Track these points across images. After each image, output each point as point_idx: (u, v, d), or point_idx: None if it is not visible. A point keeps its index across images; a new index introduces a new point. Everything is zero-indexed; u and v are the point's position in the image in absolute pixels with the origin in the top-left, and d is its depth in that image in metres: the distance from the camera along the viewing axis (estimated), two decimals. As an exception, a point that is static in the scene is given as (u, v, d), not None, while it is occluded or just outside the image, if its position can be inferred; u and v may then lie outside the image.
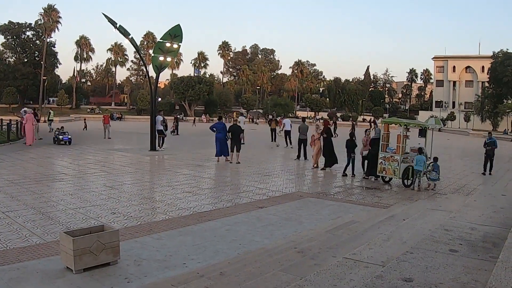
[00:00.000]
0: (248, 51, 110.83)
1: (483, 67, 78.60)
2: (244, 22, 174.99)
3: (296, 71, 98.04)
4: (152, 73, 23.80)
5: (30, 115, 21.06)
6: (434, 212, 6.69)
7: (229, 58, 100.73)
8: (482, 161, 16.08)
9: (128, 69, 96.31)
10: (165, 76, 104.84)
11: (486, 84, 71.46)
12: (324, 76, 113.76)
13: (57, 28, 71.48)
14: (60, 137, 21.81)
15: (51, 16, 69.62)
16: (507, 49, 63.59)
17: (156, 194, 10.20)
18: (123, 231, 6.44)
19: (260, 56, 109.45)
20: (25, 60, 69.78)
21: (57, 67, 75.78)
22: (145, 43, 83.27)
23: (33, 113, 22.05)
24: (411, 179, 12.14)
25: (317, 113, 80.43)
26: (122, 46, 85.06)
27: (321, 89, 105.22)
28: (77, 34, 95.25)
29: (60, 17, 71.51)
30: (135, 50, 24.00)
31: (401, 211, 7.70)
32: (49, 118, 32.58)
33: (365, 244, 4.57)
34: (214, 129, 16.39)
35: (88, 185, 10.75)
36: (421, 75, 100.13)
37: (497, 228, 4.94)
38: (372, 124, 41.03)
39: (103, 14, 18.27)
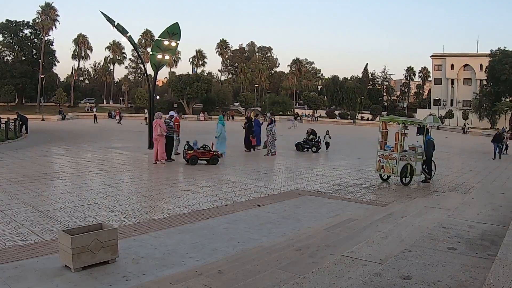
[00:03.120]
0: (245, 49, 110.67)
1: (481, 65, 78.73)
2: (241, 19, 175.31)
3: (294, 69, 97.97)
4: (150, 71, 23.80)
5: (160, 121, 14.95)
6: (432, 210, 6.70)
7: (227, 56, 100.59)
8: (481, 160, 16.12)
9: (126, 67, 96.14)
10: (163, 74, 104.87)
11: (484, 82, 71.67)
12: (322, 74, 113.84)
13: (55, 26, 71.29)
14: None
15: (49, 14, 69.34)
16: (505, 47, 63.82)
17: (155, 192, 10.18)
18: (122, 229, 6.44)
19: (257, 54, 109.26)
20: (23, 58, 69.65)
21: (55, 65, 75.78)
22: (143, 41, 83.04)
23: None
24: (409, 177, 12.20)
25: (315, 111, 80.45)
26: (120, 44, 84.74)
27: (319, 87, 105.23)
28: (75, 32, 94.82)
29: (58, 15, 71.26)
30: (133, 48, 23.92)
31: (399, 209, 7.71)
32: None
33: (363, 242, 4.57)
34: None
35: (87, 183, 10.73)
36: (419, 73, 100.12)
37: (495, 226, 4.94)
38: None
39: (101, 12, 18.27)
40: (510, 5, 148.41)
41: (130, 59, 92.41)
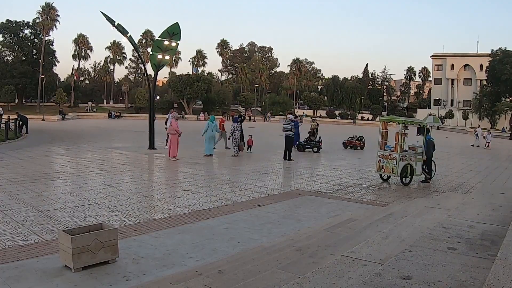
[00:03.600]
0: (245, 49, 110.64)
1: (481, 65, 78.68)
2: (241, 19, 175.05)
3: (294, 69, 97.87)
4: (150, 71, 23.79)
5: (174, 121, 16.60)
6: (433, 210, 6.70)
7: (227, 56, 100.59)
8: (480, 160, 16.10)
9: (126, 67, 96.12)
10: (163, 74, 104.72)
11: (485, 82, 71.66)
12: (322, 74, 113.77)
13: (55, 27, 71.13)
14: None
15: (49, 14, 69.24)
16: (506, 47, 63.78)
17: (155, 192, 10.19)
18: (122, 230, 6.44)
19: (257, 54, 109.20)
20: (23, 58, 69.55)
21: (55, 65, 75.61)
22: (144, 41, 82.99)
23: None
24: (410, 177, 12.21)
25: (315, 111, 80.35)
26: (120, 44, 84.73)
27: (319, 87, 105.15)
28: (75, 32, 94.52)
29: (58, 15, 71.09)
30: (133, 48, 23.92)
31: (400, 209, 7.71)
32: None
33: (363, 242, 4.57)
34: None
35: (87, 183, 10.73)
36: (419, 73, 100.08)
37: (495, 226, 4.94)
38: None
39: (101, 12, 18.26)
40: (510, 5, 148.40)
41: (130, 59, 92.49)
